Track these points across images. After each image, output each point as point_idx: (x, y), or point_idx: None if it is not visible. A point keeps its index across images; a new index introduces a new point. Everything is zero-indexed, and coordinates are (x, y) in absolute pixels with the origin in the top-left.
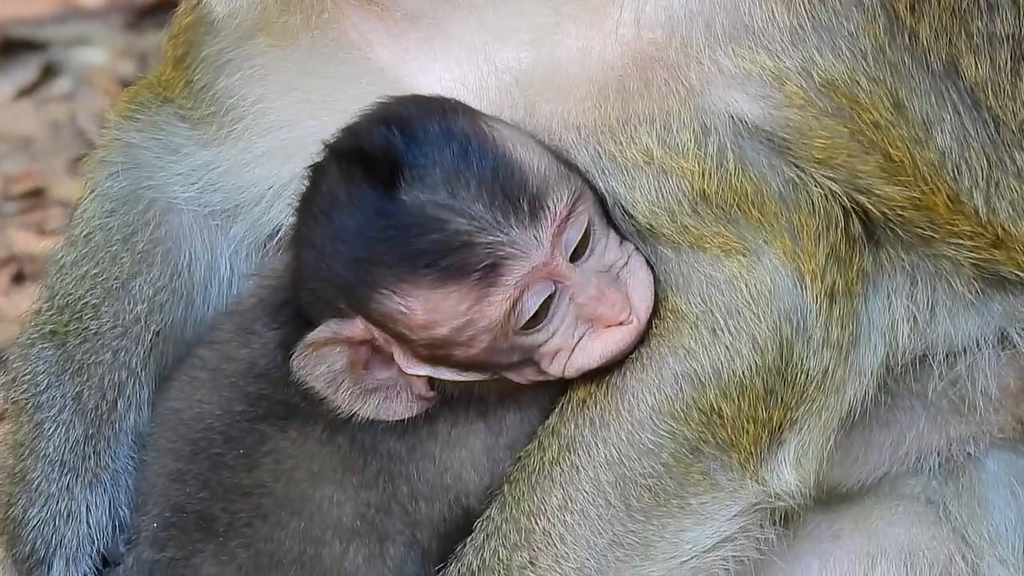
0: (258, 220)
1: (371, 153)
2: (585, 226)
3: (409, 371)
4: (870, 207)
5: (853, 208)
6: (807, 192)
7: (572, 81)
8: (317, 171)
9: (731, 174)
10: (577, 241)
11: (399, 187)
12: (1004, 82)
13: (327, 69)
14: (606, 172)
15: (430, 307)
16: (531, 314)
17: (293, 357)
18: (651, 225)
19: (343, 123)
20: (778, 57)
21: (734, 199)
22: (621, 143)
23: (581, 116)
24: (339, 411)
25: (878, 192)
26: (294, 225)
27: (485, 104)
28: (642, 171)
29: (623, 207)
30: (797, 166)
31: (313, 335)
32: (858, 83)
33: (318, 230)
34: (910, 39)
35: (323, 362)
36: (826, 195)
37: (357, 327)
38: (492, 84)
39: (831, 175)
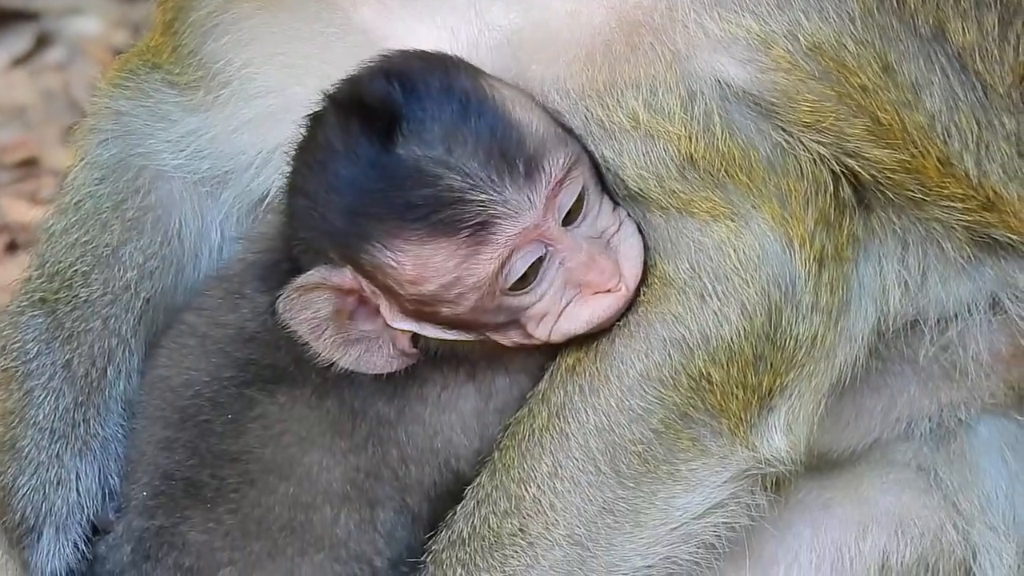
0: (247, 186)
1: (370, 104)
2: (579, 191)
3: (394, 325)
4: (859, 171)
5: (843, 172)
6: (795, 156)
7: (561, 44)
8: (315, 120)
9: (718, 138)
10: (570, 205)
11: (396, 140)
12: (991, 47)
13: (312, 31)
14: (595, 137)
15: (419, 262)
16: (519, 275)
17: (279, 299)
18: (639, 190)
19: (328, 86)
20: (764, 21)
21: (722, 164)
22: (608, 107)
23: (570, 80)
24: (320, 361)
25: (867, 155)
26: (288, 174)
27: (492, 60)
28: (629, 135)
29: (612, 172)
30: (785, 130)
31: (302, 279)
32: (845, 46)
33: (312, 179)
34: (898, 3)
35: (309, 307)
36: (815, 159)
37: (346, 276)
38: (480, 45)
39: (819, 139)
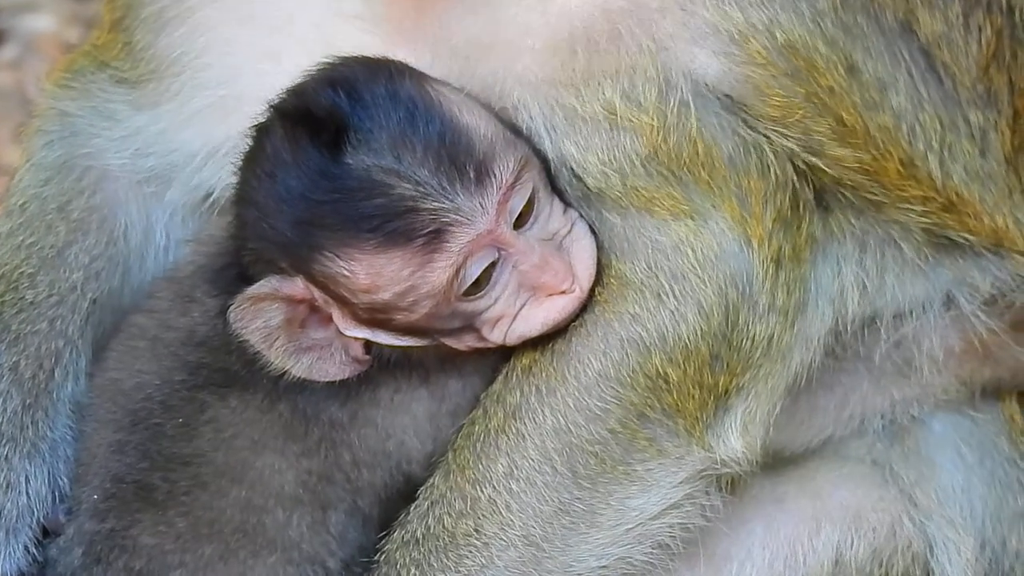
0: (193, 182)
1: (317, 115)
2: (530, 193)
3: (347, 332)
4: (823, 168)
5: (805, 171)
6: (758, 155)
7: (535, 29)
8: (261, 130)
9: (689, 132)
10: (521, 208)
11: (345, 150)
12: (957, 38)
13: (267, 13)
14: (558, 131)
15: (373, 272)
16: (473, 280)
17: (230, 309)
18: (600, 188)
19: (285, 75)
20: (746, 12)
21: (685, 160)
22: (583, 97)
23: (541, 67)
24: (272, 368)
25: (830, 154)
26: (236, 183)
27: (437, 59)
28: (600, 127)
29: (573, 169)
30: (751, 126)
31: (253, 289)
32: (816, 48)
33: (261, 190)
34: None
35: (260, 317)
36: (777, 156)
37: (298, 286)
38: (452, 25)
39: (785, 133)
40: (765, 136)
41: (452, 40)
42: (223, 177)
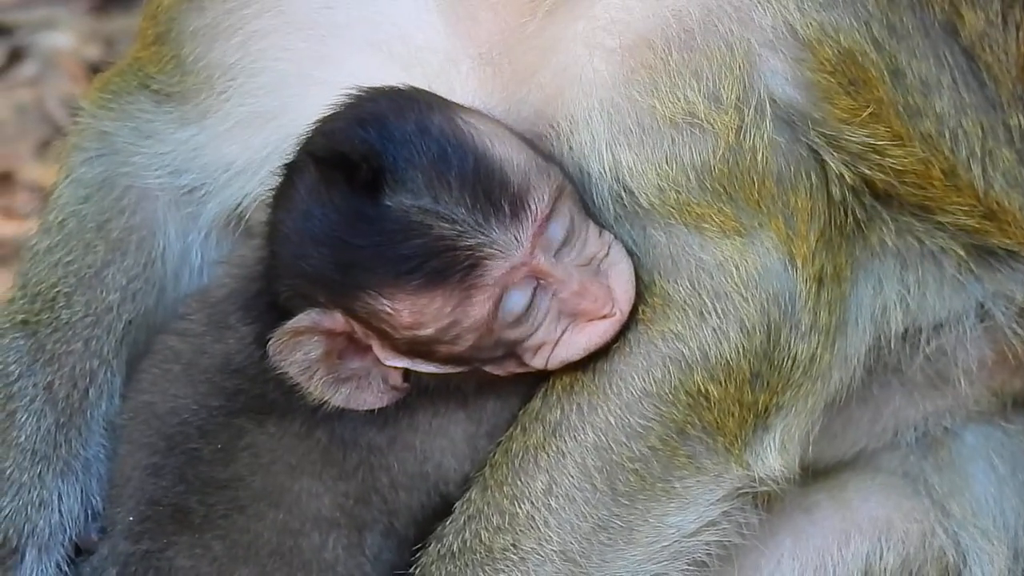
0: (229, 193)
1: (351, 158)
2: (566, 221)
3: (387, 363)
4: (879, 175)
5: (855, 185)
6: (808, 172)
7: (611, 29)
8: (292, 169)
9: (754, 140)
10: (558, 236)
11: (383, 192)
12: (997, 36)
13: (317, 20)
14: (619, 142)
15: (416, 310)
16: (514, 311)
17: (270, 342)
18: (653, 204)
19: (331, 86)
20: (819, 17)
21: (739, 174)
22: (662, 96)
23: (614, 70)
24: (311, 399)
25: (885, 162)
26: (269, 220)
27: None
28: (668, 134)
29: (626, 185)
30: (806, 140)
31: (292, 323)
32: (869, 56)
33: (297, 229)
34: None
35: (299, 349)
36: (828, 171)
37: (337, 320)
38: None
39: (846, 138)
40: (819, 151)
41: (514, 51)
42: (258, 190)
